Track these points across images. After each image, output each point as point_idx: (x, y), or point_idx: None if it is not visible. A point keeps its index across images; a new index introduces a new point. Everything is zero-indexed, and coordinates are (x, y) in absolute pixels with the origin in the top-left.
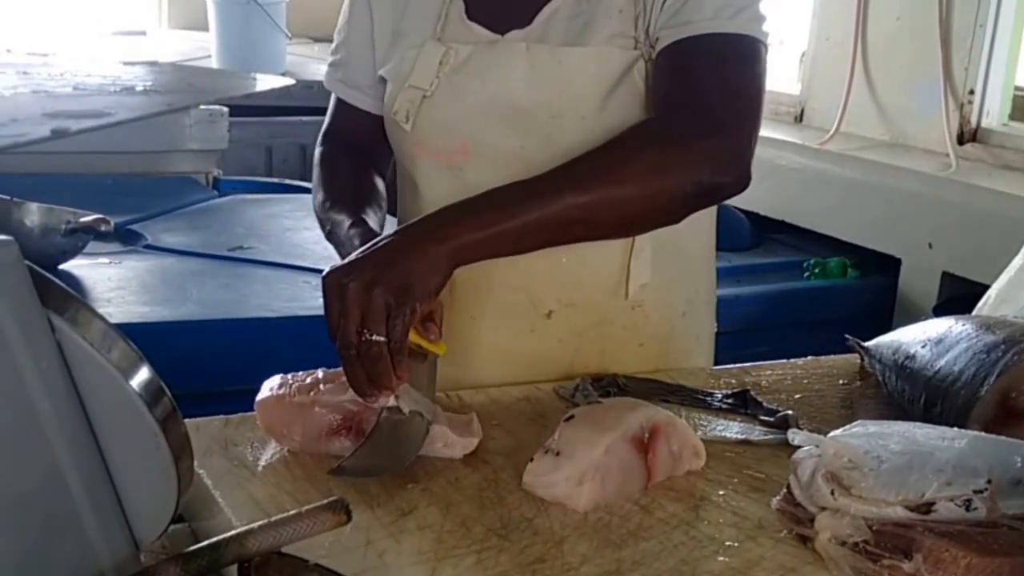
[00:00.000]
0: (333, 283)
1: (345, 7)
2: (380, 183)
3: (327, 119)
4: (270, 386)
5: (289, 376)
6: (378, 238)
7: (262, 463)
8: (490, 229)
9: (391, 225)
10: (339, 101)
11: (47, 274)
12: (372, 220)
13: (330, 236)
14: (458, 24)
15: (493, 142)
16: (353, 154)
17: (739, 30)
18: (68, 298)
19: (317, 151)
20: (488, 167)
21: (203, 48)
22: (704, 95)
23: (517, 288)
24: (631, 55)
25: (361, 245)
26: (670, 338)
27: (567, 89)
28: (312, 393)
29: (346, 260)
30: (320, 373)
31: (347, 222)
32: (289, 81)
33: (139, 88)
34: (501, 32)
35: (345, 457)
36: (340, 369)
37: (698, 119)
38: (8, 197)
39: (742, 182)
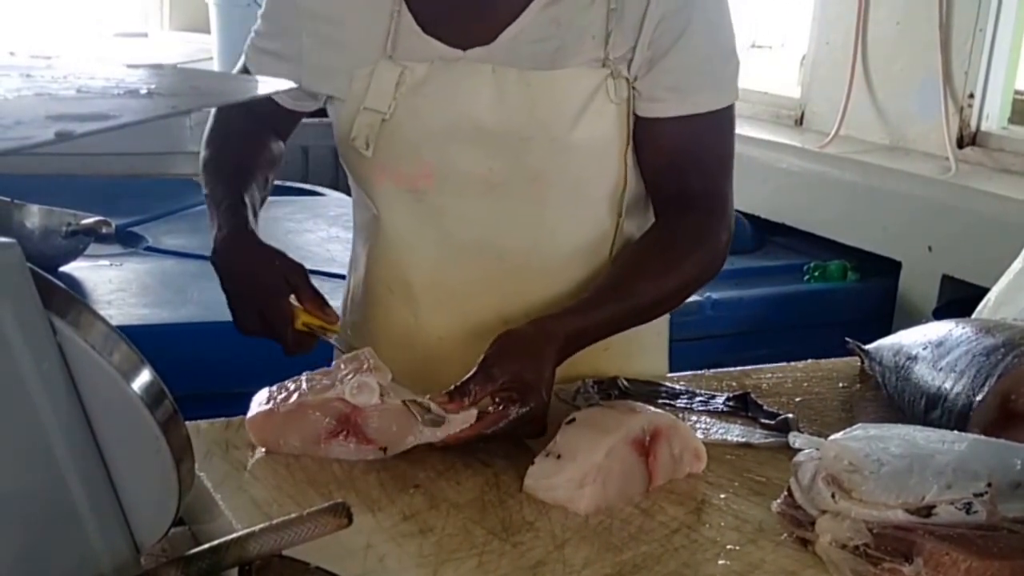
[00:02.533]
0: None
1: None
2: (274, 148)
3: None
4: (258, 401)
5: (275, 387)
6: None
7: (263, 466)
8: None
9: (338, 206)
10: (246, 71)
11: (49, 276)
12: (250, 197)
13: (207, 191)
14: (412, 39)
15: (459, 165)
16: (251, 117)
17: (730, 100)
18: (70, 300)
19: (216, 109)
20: (453, 190)
21: (204, 50)
22: (714, 185)
23: (486, 307)
24: (601, 74)
25: (230, 230)
26: (635, 338)
27: (536, 112)
28: (298, 396)
29: (520, 366)
30: (304, 377)
31: (224, 198)
32: (291, 84)
33: (143, 91)
34: (462, 48)
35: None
36: (323, 369)
37: (714, 215)
38: (9, 199)
39: None
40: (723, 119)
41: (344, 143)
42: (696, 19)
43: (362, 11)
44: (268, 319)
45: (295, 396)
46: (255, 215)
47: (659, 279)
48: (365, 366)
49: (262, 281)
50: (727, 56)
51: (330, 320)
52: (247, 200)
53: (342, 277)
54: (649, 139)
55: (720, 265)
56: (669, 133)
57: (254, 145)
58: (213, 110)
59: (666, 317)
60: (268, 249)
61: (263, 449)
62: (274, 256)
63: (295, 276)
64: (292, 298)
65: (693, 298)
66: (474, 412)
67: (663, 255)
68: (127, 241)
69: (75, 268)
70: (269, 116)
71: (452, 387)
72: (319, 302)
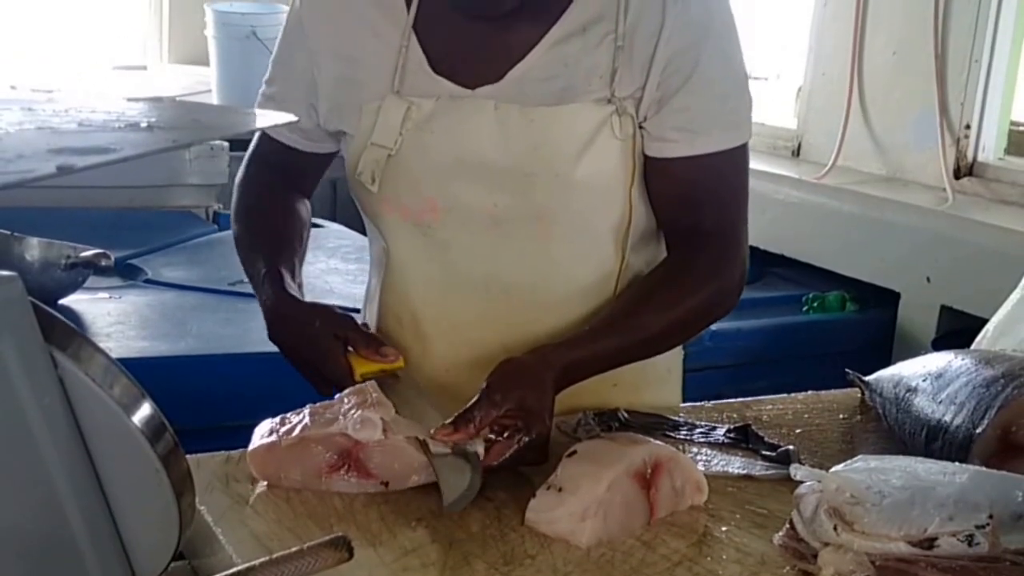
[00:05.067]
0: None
1: (280, 39)
2: (301, 210)
3: (253, 143)
4: (260, 434)
5: (277, 419)
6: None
7: (263, 500)
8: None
9: (340, 239)
10: (264, 132)
11: (50, 310)
12: (286, 264)
13: (245, 268)
14: (420, 76)
15: (464, 200)
16: (276, 181)
17: (741, 139)
18: (71, 333)
19: (239, 174)
20: (458, 224)
21: (203, 83)
22: (726, 222)
23: (492, 340)
24: (606, 111)
25: (271, 301)
26: (643, 374)
27: (540, 148)
28: (300, 430)
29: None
30: (307, 411)
31: (262, 268)
32: (292, 117)
33: (144, 124)
34: (470, 87)
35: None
36: (326, 402)
37: (726, 252)
38: (8, 232)
39: None
40: (736, 157)
41: (352, 177)
42: (705, 59)
43: (373, 48)
44: (332, 381)
45: (297, 429)
46: (294, 276)
47: (665, 313)
48: (368, 401)
49: (313, 346)
50: (738, 94)
51: (389, 359)
52: (283, 268)
53: (343, 308)
54: (660, 178)
55: (732, 302)
56: (680, 172)
57: (282, 209)
58: (237, 179)
59: (679, 352)
60: (309, 311)
61: (264, 482)
62: (315, 317)
63: (343, 329)
64: (350, 349)
65: None
66: (482, 444)
67: (671, 289)
68: (126, 274)
69: (74, 301)
70: (291, 168)
71: (455, 416)
72: (374, 346)
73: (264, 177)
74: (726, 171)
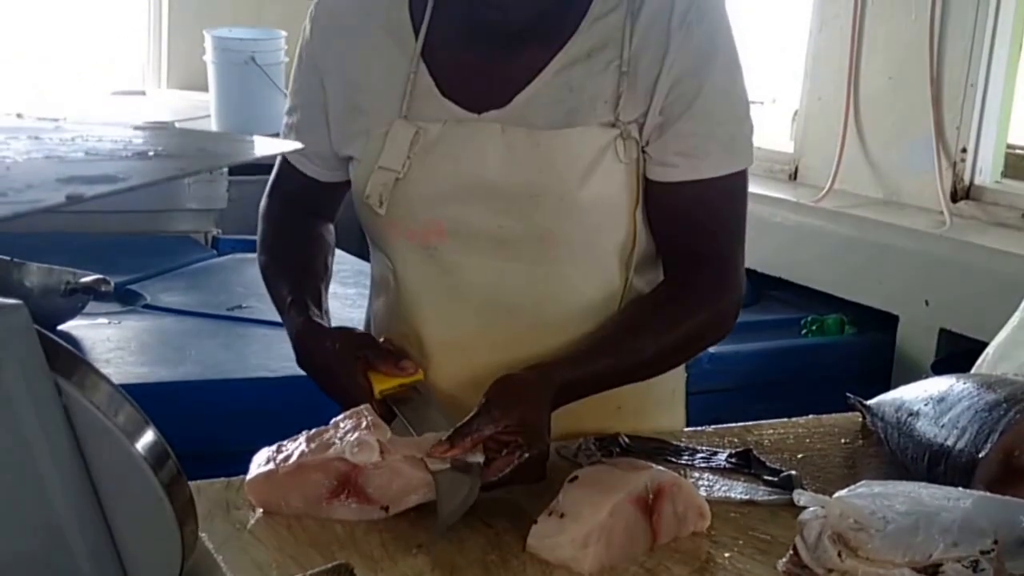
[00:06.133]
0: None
1: (295, 70)
2: (325, 235)
3: (274, 173)
4: (258, 463)
5: (275, 447)
6: (515, 394)
7: (264, 527)
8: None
9: (338, 263)
10: (286, 161)
11: (54, 337)
12: (310, 291)
13: (272, 298)
14: (429, 100)
15: (470, 222)
16: (298, 209)
17: (741, 165)
18: (75, 361)
19: (262, 204)
20: (465, 247)
21: (202, 108)
22: (723, 247)
23: (497, 362)
24: (610, 134)
25: (296, 330)
26: (647, 396)
27: (545, 170)
28: (298, 456)
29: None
30: (303, 437)
31: (288, 297)
32: (298, 145)
33: (150, 153)
34: (478, 111)
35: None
36: (322, 428)
37: (722, 277)
38: (8, 258)
39: None
40: (736, 182)
41: (359, 200)
42: (708, 85)
43: (382, 74)
44: (357, 402)
45: (295, 456)
46: (319, 302)
47: (662, 336)
48: (364, 423)
49: (335, 368)
50: (740, 121)
51: (407, 372)
52: (307, 296)
53: None
54: (659, 201)
55: (728, 326)
56: (680, 196)
57: (305, 238)
58: (261, 210)
59: (681, 375)
60: (330, 335)
61: (263, 510)
62: (336, 340)
63: (361, 348)
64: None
65: None
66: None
67: (669, 312)
68: (126, 299)
69: (73, 326)
70: (312, 197)
71: (452, 430)
72: (392, 360)
73: (287, 206)
74: (726, 196)
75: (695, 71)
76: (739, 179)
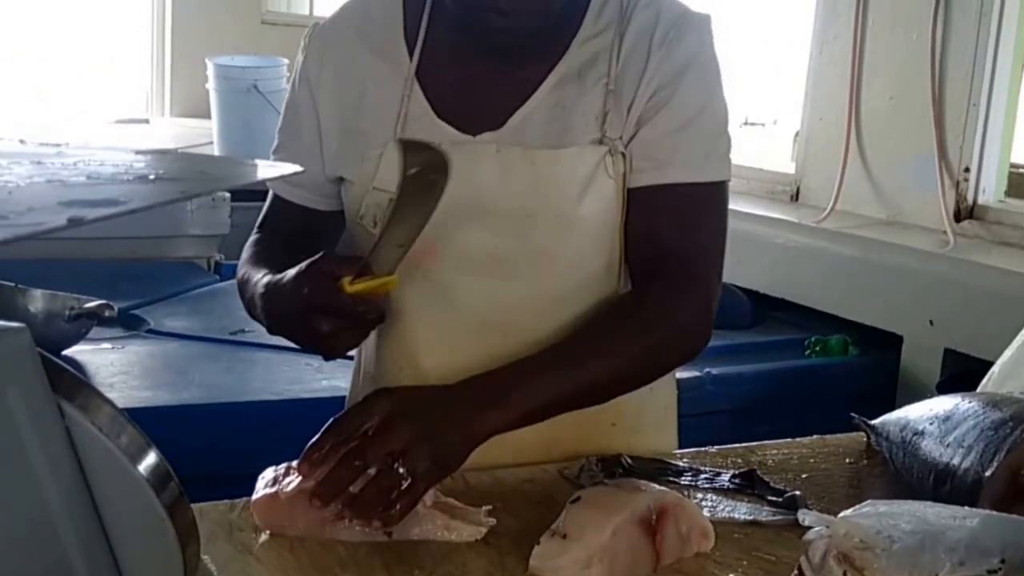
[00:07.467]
0: (383, 409)
1: (286, 107)
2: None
3: (264, 209)
4: (264, 482)
5: (281, 468)
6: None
7: (267, 549)
8: (515, 415)
9: None
10: (277, 196)
11: (57, 360)
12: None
13: (243, 299)
14: (424, 122)
15: (464, 242)
16: (287, 244)
17: (711, 177)
18: (78, 384)
19: (251, 238)
20: (458, 267)
21: (205, 135)
22: (690, 261)
23: None
24: (600, 151)
25: (261, 292)
26: (640, 413)
27: (541, 188)
28: (300, 482)
29: (401, 398)
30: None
31: (255, 284)
32: (297, 168)
33: (152, 176)
34: (473, 133)
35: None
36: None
37: (687, 285)
38: (12, 284)
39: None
40: (708, 193)
41: (353, 221)
42: (680, 95)
43: (377, 96)
44: (317, 307)
45: (300, 476)
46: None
47: (610, 358)
48: None
49: (300, 294)
50: (715, 135)
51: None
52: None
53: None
54: (627, 208)
55: (694, 344)
56: (645, 202)
57: (281, 252)
58: (248, 243)
59: (672, 391)
60: (289, 273)
61: (267, 531)
62: (297, 271)
63: (327, 263)
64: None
65: (692, 373)
66: (483, 529)
67: (620, 329)
68: (129, 324)
69: (77, 351)
70: (304, 230)
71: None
72: (360, 260)
73: (275, 241)
74: (694, 205)
75: (669, 82)
76: (712, 191)
